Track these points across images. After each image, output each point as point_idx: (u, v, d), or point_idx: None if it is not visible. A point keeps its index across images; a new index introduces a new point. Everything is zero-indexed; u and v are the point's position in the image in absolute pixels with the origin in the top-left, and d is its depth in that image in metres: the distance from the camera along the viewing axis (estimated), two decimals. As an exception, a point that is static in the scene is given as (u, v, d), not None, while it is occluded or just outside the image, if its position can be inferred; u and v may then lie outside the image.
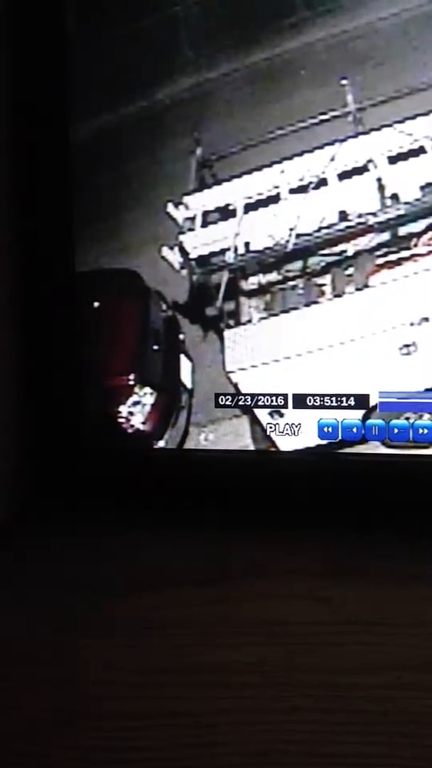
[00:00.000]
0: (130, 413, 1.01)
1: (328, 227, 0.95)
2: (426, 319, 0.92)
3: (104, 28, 0.99)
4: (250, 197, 0.97)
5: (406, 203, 0.93)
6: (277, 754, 0.59)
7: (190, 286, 1.00)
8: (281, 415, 0.97)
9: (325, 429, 0.96)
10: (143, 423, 1.01)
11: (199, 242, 0.98)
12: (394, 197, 0.93)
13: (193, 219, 0.98)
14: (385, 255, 0.95)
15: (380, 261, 0.95)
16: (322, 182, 0.95)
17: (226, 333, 0.98)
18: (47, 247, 1.02)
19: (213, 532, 0.95)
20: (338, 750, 0.59)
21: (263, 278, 0.99)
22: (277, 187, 0.96)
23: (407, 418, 0.94)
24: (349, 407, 0.95)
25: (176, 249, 0.98)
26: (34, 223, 1.02)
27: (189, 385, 1.01)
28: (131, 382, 1.01)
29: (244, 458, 1.00)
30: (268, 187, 0.96)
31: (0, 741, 0.62)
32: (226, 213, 0.98)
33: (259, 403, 0.97)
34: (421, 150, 0.92)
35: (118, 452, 1.03)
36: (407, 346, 0.93)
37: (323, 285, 0.97)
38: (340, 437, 0.95)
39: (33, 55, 0.99)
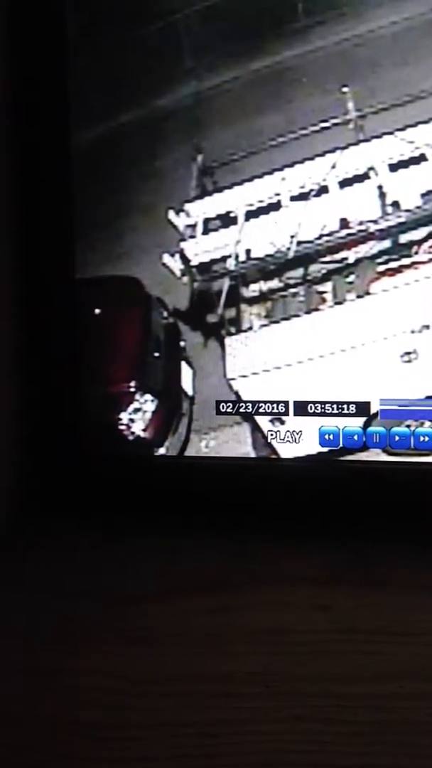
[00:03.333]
0: (131, 420, 1.01)
1: (329, 234, 0.95)
2: (427, 327, 0.92)
3: (105, 36, 0.99)
4: (251, 204, 0.97)
5: (406, 211, 0.93)
6: (278, 764, 0.59)
7: (191, 293, 1.00)
8: (282, 423, 0.97)
9: (326, 436, 0.95)
10: (144, 430, 1.01)
11: (200, 249, 0.98)
12: (395, 205, 0.93)
13: (194, 226, 0.98)
14: (386, 262, 0.95)
15: (381, 268, 0.95)
16: (323, 189, 0.95)
17: (227, 340, 0.98)
18: (48, 254, 1.02)
19: (214, 540, 0.95)
20: (339, 760, 0.59)
21: (264, 285, 0.99)
22: (278, 194, 0.96)
23: (408, 426, 0.94)
24: (350, 414, 0.95)
25: (177, 256, 0.98)
26: (36, 230, 1.02)
27: (190, 392, 1.01)
28: (132, 389, 1.01)
29: (245, 466, 1.00)
30: (269, 195, 0.96)
31: None
32: (227, 220, 0.98)
33: (260, 410, 0.97)
34: (422, 158, 0.92)
35: (119, 459, 1.03)
36: (408, 353, 0.93)
37: (324, 292, 0.97)
38: (341, 445, 0.95)
39: (34, 63, 0.99)
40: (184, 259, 0.98)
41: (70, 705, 0.67)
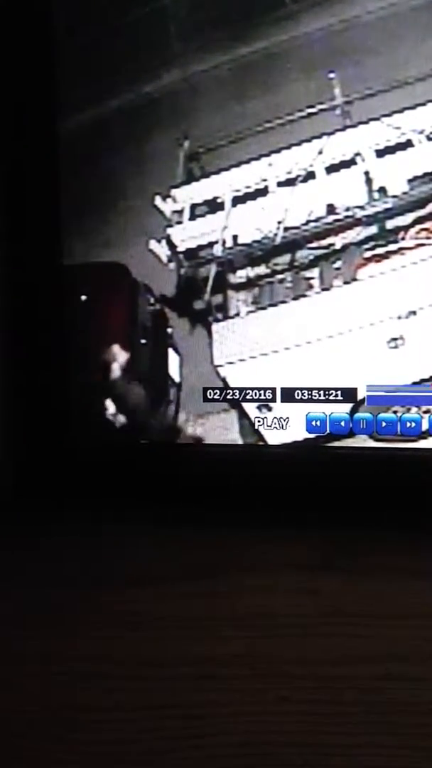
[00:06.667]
0: (118, 407, 1.01)
1: (316, 220, 0.95)
2: (413, 313, 0.92)
3: (92, 21, 0.98)
4: (238, 190, 0.97)
5: (393, 196, 0.93)
6: (265, 745, 0.59)
7: (178, 280, 0.99)
8: (269, 409, 0.97)
9: (313, 423, 0.96)
10: (131, 417, 1.01)
11: (186, 235, 0.98)
12: (382, 190, 0.93)
13: (180, 212, 0.98)
14: (372, 248, 0.95)
15: (368, 254, 0.95)
16: (310, 175, 0.94)
17: (214, 327, 0.98)
18: (34, 240, 1.01)
19: (201, 527, 0.95)
20: (326, 740, 0.59)
21: (251, 271, 0.98)
22: (265, 180, 0.96)
23: (395, 412, 0.94)
24: (337, 401, 0.95)
25: (164, 242, 0.98)
26: (21, 216, 1.01)
27: (177, 379, 1.01)
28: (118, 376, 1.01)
29: (233, 452, 1.00)
30: (256, 180, 0.96)
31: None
32: (214, 206, 0.98)
33: (247, 396, 0.97)
34: (409, 143, 0.92)
35: (105, 447, 1.03)
36: (395, 339, 0.93)
37: (311, 278, 0.97)
38: (328, 431, 0.95)
39: (20, 47, 0.98)
40: (171, 245, 0.98)
41: (60, 690, 0.67)
